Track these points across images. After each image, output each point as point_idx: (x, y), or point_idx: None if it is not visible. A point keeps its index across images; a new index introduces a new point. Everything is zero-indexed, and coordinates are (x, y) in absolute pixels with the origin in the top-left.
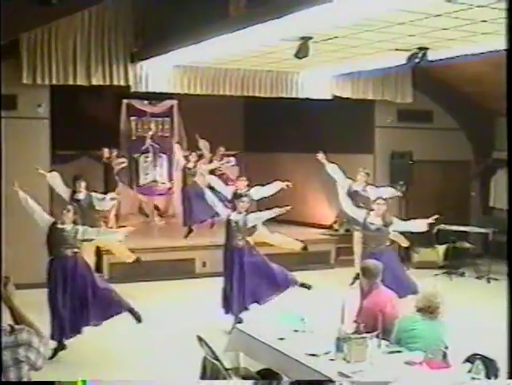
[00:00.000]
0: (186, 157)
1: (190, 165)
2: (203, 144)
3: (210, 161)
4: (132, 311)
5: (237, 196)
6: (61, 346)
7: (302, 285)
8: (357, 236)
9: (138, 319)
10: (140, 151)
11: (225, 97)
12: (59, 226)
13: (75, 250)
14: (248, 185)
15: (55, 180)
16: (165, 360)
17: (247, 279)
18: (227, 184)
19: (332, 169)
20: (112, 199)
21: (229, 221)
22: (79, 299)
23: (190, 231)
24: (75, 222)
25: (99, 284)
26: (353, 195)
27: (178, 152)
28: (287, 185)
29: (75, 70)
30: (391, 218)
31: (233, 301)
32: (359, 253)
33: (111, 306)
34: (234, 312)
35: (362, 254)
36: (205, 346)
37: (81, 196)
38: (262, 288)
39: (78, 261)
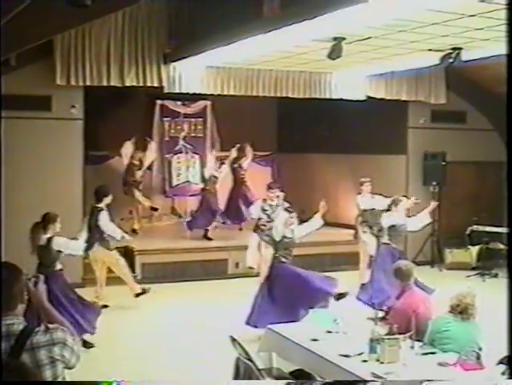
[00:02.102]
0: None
1: (217, 174)
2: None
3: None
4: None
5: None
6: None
7: None
8: (363, 243)
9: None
10: (172, 151)
11: (258, 98)
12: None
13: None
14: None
15: None
16: (197, 360)
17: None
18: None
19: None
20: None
21: (283, 236)
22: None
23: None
24: None
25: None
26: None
27: (210, 164)
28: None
29: (108, 71)
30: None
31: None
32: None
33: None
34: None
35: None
36: (238, 346)
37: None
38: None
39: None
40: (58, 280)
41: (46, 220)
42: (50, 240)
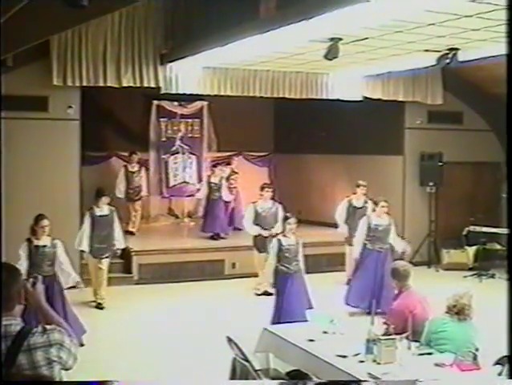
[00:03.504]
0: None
1: (215, 180)
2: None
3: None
4: None
5: (286, 218)
6: None
7: None
8: (349, 248)
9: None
10: (169, 152)
11: (254, 98)
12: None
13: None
14: (272, 198)
15: None
16: (194, 360)
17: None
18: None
19: None
20: None
21: (280, 246)
22: None
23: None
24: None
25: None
26: (352, 210)
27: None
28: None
29: (105, 71)
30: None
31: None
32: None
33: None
34: None
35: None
36: (235, 347)
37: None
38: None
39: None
40: None
41: None
42: None
